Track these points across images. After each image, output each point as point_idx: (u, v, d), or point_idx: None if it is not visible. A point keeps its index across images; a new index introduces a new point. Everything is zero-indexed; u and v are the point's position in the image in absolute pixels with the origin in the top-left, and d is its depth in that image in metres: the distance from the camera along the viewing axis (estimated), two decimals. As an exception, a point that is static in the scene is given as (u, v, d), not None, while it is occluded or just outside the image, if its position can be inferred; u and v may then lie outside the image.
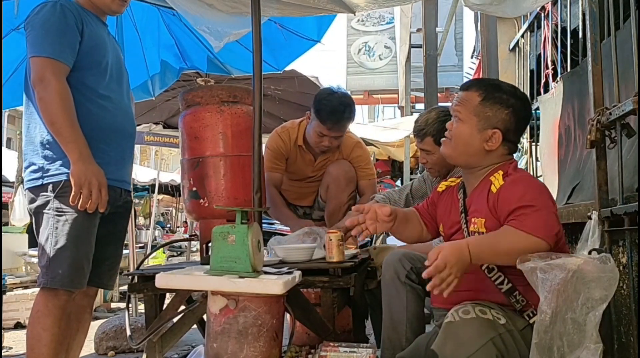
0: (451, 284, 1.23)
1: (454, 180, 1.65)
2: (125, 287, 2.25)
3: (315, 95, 2.55)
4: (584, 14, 2.23)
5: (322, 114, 2.42)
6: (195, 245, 7.19)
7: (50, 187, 1.74)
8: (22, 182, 1.91)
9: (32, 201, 1.79)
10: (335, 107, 2.41)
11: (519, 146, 3.23)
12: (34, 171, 1.77)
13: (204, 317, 1.63)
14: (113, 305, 5.17)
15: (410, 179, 7.19)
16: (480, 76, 4.01)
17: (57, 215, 1.72)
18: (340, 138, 2.51)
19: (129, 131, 1.94)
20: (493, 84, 1.50)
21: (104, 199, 1.74)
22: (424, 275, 1.27)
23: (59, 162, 1.74)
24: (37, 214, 1.77)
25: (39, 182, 1.76)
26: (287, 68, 3.87)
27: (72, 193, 1.69)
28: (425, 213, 1.64)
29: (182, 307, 1.82)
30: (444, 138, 1.52)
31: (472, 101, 1.45)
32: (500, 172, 1.42)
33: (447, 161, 1.63)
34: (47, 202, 1.74)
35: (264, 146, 2.23)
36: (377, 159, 7.43)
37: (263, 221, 2.04)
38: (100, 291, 4.65)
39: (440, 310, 1.49)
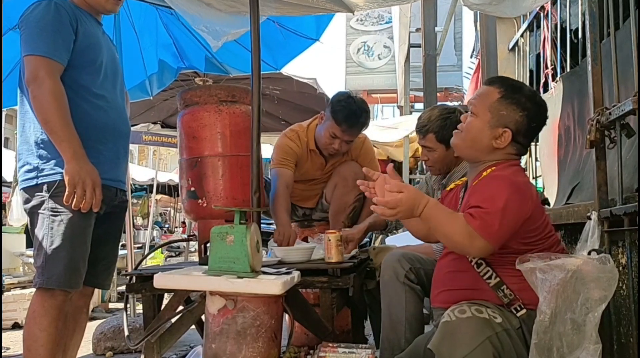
0: (387, 215, 1.31)
1: (461, 180, 1.67)
2: (123, 287, 2.24)
3: (332, 96, 2.54)
4: (583, 14, 2.23)
5: (338, 116, 2.40)
6: (194, 245, 7.19)
7: (45, 187, 1.73)
8: (18, 182, 1.90)
9: (27, 201, 1.78)
10: (353, 111, 2.40)
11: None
12: (29, 171, 1.77)
13: (203, 317, 1.63)
14: (111, 305, 5.16)
15: (410, 180, 7.20)
16: (480, 76, 4.00)
17: (52, 215, 1.71)
18: (350, 143, 2.49)
19: (123, 131, 1.93)
20: (515, 85, 1.50)
21: (98, 198, 1.73)
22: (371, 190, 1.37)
23: (54, 162, 1.73)
24: (32, 214, 1.76)
25: (34, 182, 1.75)
26: (284, 70, 3.87)
27: (66, 193, 1.68)
28: None
29: (181, 307, 1.82)
30: (456, 130, 1.53)
31: (490, 97, 1.46)
32: (494, 168, 1.44)
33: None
34: (42, 202, 1.73)
35: (263, 146, 2.22)
36: (375, 159, 7.41)
37: (262, 221, 2.03)
38: (98, 292, 4.65)
39: (439, 310, 1.49)
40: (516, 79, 3.38)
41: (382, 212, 1.30)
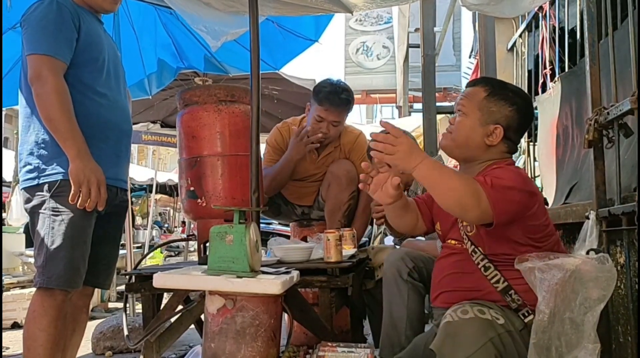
0: (386, 160, 1.29)
1: None
2: (122, 287, 2.25)
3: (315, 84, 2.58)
4: (581, 14, 2.23)
5: (320, 96, 2.44)
6: (193, 244, 7.19)
7: (46, 187, 1.73)
8: (18, 181, 1.91)
9: (27, 201, 1.78)
10: (334, 89, 2.44)
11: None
12: (30, 171, 1.76)
13: (202, 317, 1.63)
14: (110, 305, 5.16)
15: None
16: (478, 76, 4.01)
17: (53, 215, 1.71)
18: (338, 125, 2.49)
19: (125, 129, 1.93)
20: (500, 82, 1.53)
21: (103, 197, 1.73)
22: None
23: (55, 161, 1.73)
24: (33, 214, 1.76)
25: (35, 182, 1.75)
26: (282, 70, 3.88)
27: (72, 192, 1.67)
28: (422, 204, 1.65)
29: (180, 307, 1.82)
30: (444, 132, 1.53)
31: (477, 96, 1.47)
32: (494, 166, 1.45)
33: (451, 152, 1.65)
34: (43, 202, 1.73)
35: (262, 145, 2.22)
36: (375, 159, 7.39)
37: (261, 220, 2.03)
38: (98, 291, 4.64)
39: (439, 310, 1.49)
40: (515, 79, 3.39)
41: (380, 157, 1.29)
